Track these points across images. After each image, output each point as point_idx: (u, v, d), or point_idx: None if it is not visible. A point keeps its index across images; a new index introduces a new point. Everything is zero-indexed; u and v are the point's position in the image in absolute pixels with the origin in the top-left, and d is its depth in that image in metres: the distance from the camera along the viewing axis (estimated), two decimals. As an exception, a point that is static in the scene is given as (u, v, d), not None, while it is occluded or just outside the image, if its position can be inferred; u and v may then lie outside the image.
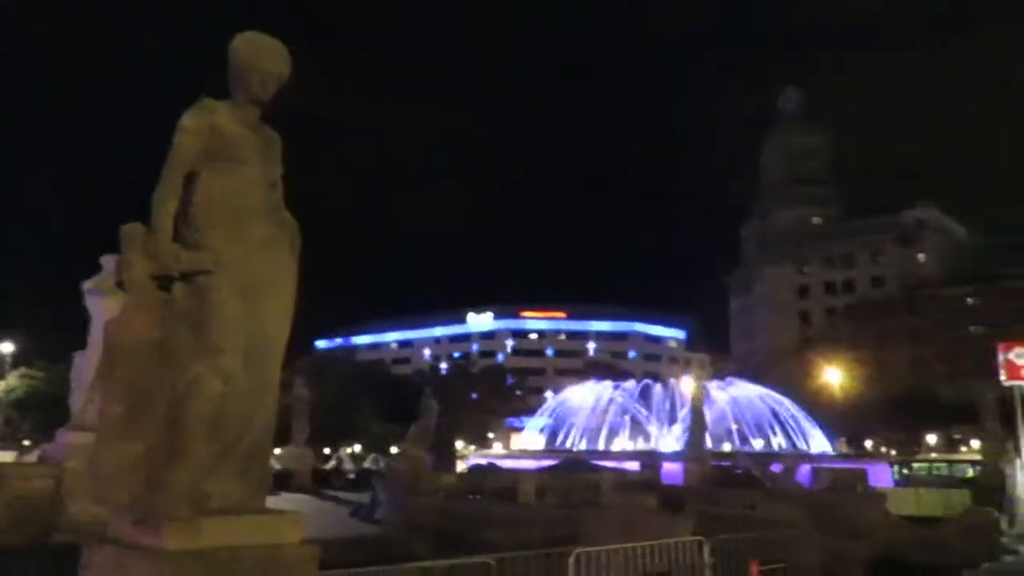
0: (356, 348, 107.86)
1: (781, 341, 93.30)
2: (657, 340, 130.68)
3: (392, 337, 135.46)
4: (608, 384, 45.24)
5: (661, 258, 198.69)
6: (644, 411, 42.38)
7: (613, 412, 42.11)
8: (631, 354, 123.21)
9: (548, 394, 56.26)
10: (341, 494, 24.51)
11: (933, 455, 51.56)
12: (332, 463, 44.78)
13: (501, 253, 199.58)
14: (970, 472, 33.73)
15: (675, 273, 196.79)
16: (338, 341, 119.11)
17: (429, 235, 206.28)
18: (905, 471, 35.51)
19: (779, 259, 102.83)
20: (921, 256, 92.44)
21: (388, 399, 57.86)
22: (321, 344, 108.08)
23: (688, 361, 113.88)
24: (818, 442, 37.25)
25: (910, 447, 55.83)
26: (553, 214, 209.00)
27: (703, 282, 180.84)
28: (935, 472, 35.58)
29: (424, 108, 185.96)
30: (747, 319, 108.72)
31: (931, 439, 59.47)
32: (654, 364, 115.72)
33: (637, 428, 42.09)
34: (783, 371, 66.73)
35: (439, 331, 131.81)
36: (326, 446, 52.16)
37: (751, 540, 9.58)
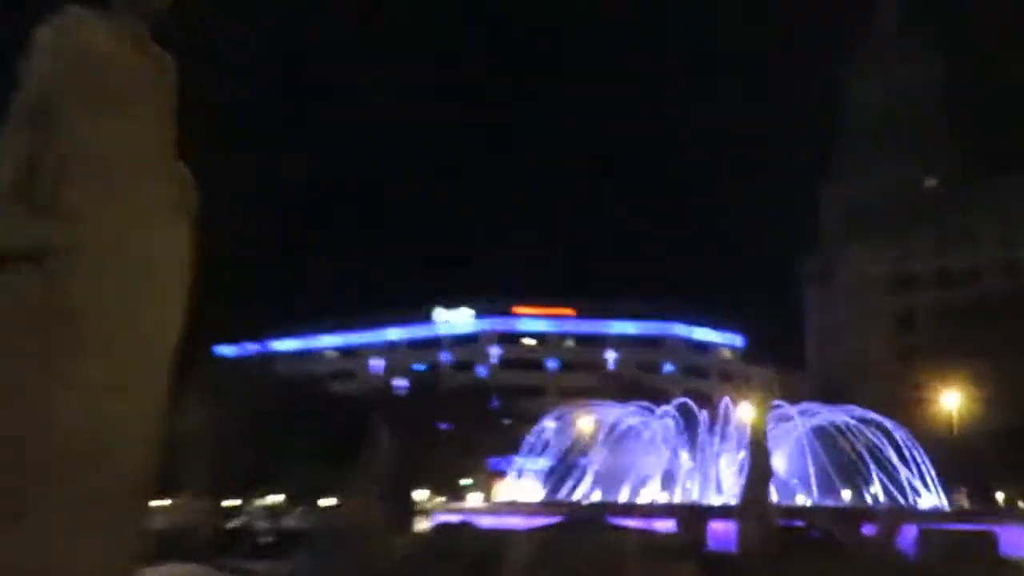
0: (277, 356, 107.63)
1: (873, 351, 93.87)
2: (704, 348, 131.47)
3: (329, 342, 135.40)
4: (630, 409, 45.35)
5: (704, 245, 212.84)
6: (683, 448, 42.57)
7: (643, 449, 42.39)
8: (666, 367, 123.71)
9: (549, 423, 56.25)
10: (252, 564, 24.64)
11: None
12: (240, 519, 44.86)
13: (495, 252, 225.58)
14: None
15: (725, 262, 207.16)
16: (252, 347, 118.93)
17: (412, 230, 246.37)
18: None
19: (873, 237, 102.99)
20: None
21: (322, 428, 57.88)
22: (227, 351, 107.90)
23: (748, 378, 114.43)
24: (929, 493, 37.66)
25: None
26: (553, 214, 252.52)
27: (767, 272, 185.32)
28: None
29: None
30: (827, 321, 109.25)
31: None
32: (699, 381, 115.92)
33: (673, 472, 42.28)
34: (876, 392, 67.17)
35: (394, 333, 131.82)
36: (233, 495, 52.24)
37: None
